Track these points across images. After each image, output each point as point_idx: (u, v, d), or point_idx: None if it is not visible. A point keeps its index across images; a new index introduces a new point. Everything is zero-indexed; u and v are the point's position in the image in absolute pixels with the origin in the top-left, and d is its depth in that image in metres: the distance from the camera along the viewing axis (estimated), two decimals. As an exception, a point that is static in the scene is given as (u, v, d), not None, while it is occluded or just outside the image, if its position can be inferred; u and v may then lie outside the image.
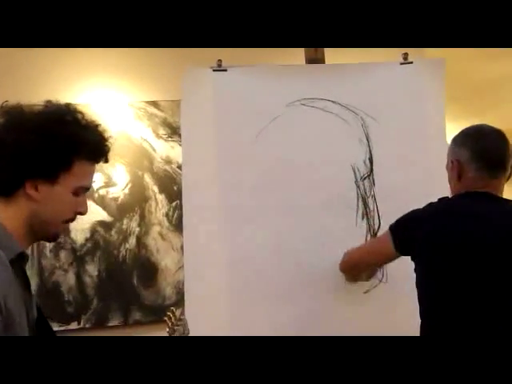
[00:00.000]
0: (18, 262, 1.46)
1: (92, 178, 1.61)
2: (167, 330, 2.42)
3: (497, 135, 2.10)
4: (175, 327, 2.44)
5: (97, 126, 1.58)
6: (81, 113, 1.57)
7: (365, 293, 2.53)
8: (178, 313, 2.44)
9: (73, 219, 1.59)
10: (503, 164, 2.07)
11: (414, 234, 2.07)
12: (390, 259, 2.28)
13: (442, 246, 1.99)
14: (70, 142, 1.51)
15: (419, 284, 2.08)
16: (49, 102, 1.57)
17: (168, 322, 2.45)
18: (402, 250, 2.16)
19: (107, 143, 1.59)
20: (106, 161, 1.62)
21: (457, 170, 2.10)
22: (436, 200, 2.13)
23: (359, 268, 2.42)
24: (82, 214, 1.60)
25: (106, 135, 1.59)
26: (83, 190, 1.59)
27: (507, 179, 2.12)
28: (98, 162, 1.60)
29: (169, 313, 2.45)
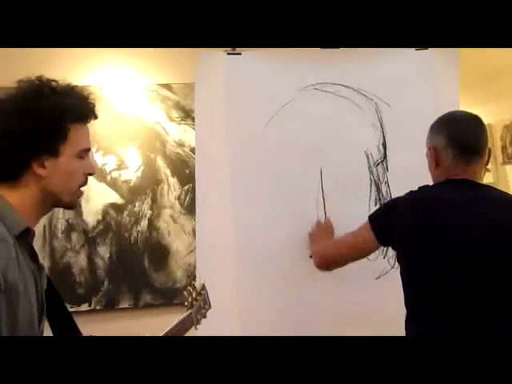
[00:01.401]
0: (24, 237, 1.51)
1: (89, 138, 1.64)
2: (185, 303, 2.42)
3: (472, 121, 2.08)
4: (194, 302, 2.44)
5: (73, 88, 1.61)
6: (54, 81, 1.59)
7: (376, 278, 2.53)
8: (198, 287, 2.44)
9: (85, 182, 1.64)
10: (479, 150, 2.04)
11: (395, 223, 2.03)
12: (371, 251, 2.21)
13: (423, 235, 1.96)
14: (58, 112, 1.54)
15: (403, 273, 2.06)
16: (20, 81, 1.58)
17: (187, 296, 2.45)
18: (383, 241, 2.11)
19: (90, 101, 1.63)
20: (96, 117, 1.65)
21: (434, 157, 2.08)
22: None
23: (338, 264, 2.28)
24: (92, 174, 1.66)
25: (86, 93, 1.63)
26: (85, 152, 1.62)
27: (486, 164, 2.09)
28: (89, 121, 1.63)
29: (189, 287, 2.45)
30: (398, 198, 2.10)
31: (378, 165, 2.59)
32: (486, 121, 4.01)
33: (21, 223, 1.51)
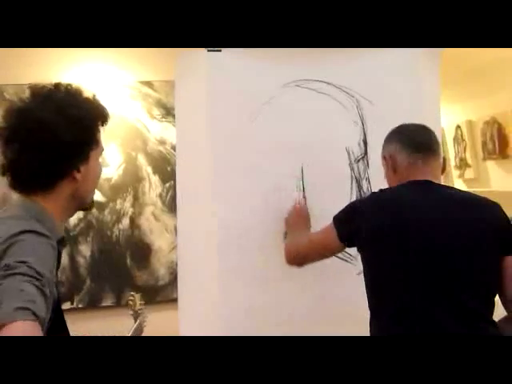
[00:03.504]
0: (58, 245, 1.53)
1: None
2: (131, 313, 2.52)
3: (421, 127, 2.16)
4: (139, 311, 2.55)
5: (84, 92, 1.64)
6: (75, 87, 1.63)
7: (358, 274, 2.54)
8: (137, 300, 2.57)
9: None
10: (432, 148, 2.10)
11: (358, 225, 2.04)
12: (337, 251, 2.25)
13: (385, 237, 1.97)
14: (92, 119, 1.60)
15: (366, 275, 2.07)
16: (33, 86, 1.60)
17: (133, 305, 2.55)
18: (347, 242, 2.13)
19: (102, 103, 1.67)
20: None
21: (391, 163, 2.13)
22: None
23: (306, 261, 2.32)
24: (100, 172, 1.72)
25: (95, 97, 1.66)
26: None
27: (443, 171, 2.14)
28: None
29: (131, 297, 2.56)
30: (360, 200, 2.17)
31: (358, 161, 2.60)
32: (466, 117, 4.07)
33: (59, 232, 1.56)
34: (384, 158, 2.17)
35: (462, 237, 1.93)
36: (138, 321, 2.54)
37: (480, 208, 2.00)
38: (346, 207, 2.15)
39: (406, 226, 1.95)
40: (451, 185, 4.21)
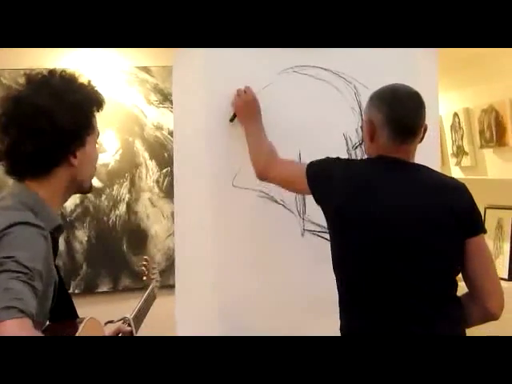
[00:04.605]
0: (54, 232, 1.56)
1: None
2: (144, 278, 2.50)
3: (412, 101, 2.05)
4: (152, 276, 2.52)
5: (79, 78, 1.66)
6: (70, 73, 1.65)
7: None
8: (151, 264, 2.54)
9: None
10: (414, 131, 2.04)
11: (326, 191, 2.08)
12: (305, 193, 2.30)
13: (349, 218, 1.98)
14: (88, 103, 1.62)
15: (331, 248, 2.08)
16: (29, 74, 1.61)
17: (145, 271, 2.52)
18: (313, 196, 2.16)
19: (97, 89, 1.68)
20: None
21: (369, 130, 2.08)
22: None
23: (273, 182, 2.40)
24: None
25: (91, 82, 1.68)
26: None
27: (420, 140, 2.10)
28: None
29: (145, 262, 2.52)
30: (335, 164, 2.13)
31: (356, 148, 2.60)
32: (464, 105, 4.05)
33: (55, 219, 1.57)
34: (365, 121, 2.12)
35: (424, 223, 1.94)
36: (151, 286, 2.52)
37: (444, 193, 1.99)
38: (322, 164, 2.15)
39: (371, 210, 1.96)
40: (448, 173, 4.21)
